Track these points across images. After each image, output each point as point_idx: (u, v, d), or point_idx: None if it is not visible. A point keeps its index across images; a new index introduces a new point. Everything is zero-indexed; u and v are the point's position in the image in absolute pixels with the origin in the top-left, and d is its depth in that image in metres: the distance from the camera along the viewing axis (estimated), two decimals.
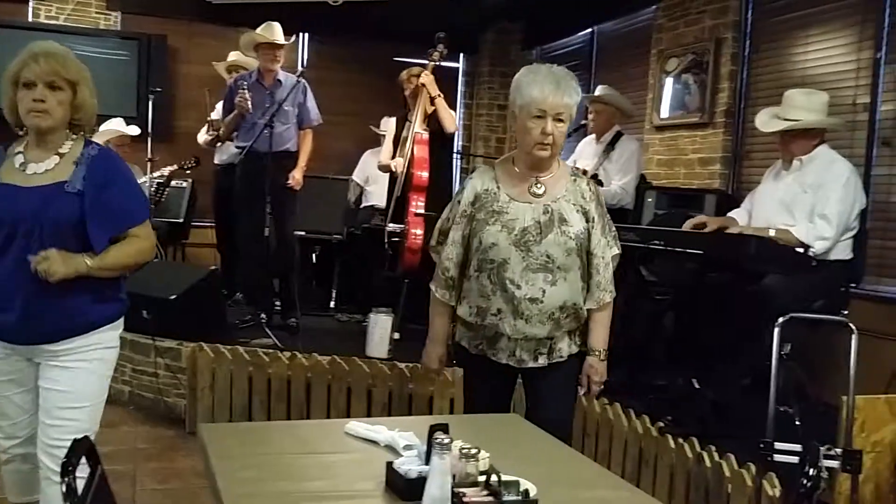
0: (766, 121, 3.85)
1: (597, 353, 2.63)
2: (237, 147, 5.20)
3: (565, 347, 2.62)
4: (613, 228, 2.68)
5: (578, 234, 2.55)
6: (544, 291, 2.51)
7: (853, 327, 2.69)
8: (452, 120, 5.25)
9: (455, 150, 8.02)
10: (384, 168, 5.45)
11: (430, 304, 2.72)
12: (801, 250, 3.44)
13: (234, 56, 6.16)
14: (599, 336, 2.63)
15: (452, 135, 5.36)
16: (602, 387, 2.67)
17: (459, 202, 2.63)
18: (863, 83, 4.37)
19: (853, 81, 4.44)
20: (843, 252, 3.61)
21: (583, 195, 2.60)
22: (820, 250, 3.49)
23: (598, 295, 2.60)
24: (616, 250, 2.65)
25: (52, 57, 2.32)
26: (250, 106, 4.98)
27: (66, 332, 2.36)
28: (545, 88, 2.48)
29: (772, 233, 3.53)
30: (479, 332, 2.62)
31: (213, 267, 5.09)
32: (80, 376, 2.38)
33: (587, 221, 2.58)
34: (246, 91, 4.98)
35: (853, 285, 3.91)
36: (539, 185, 2.58)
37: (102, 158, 2.40)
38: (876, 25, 4.29)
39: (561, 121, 2.50)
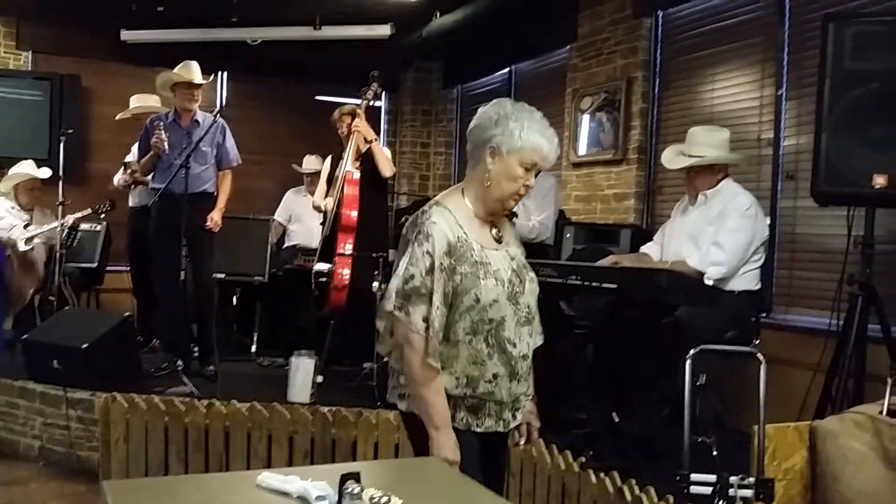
0: (671, 158, 4.00)
1: (534, 399, 2.43)
2: (152, 188, 5.08)
3: None
4: None
5: (535, 277, 2.38)
6: (528, 345, 2.31)
7: (761, 357, 2.77)
8: (389, 164, 5.26)
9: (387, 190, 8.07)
10: (317, 208, 5.41)
11: (420, 384, 2.17)
12: (709, 282, 3.54)
13: (135, 103, 6.07)
14: (532, 381, 2.38)
15: (388, 179, 5.35)
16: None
17: (430, 253, 2.16)
18: (766, 119, 4.56)
19: (757, 117, 4.62)
20: (751, 283, 3.74)
21: (516, 236, 2.44)
22: (714, 275, 3.59)
23: (538, 339, 2.39)
24: None
25: None
26: (167, 146, 4.88)
27: None
28: (550, 140, 2.22)
29: (667, 265, 3.64)
30: (462, 404, 2.24)
31: (126, 313, 4.92)
32: None
33: None
34: (162, 131, 4.89)
35: (763, 315, 4.05)
36: (497, 230, 2.32)
37: None
38: (776, 63, 4.49)
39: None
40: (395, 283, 2.21)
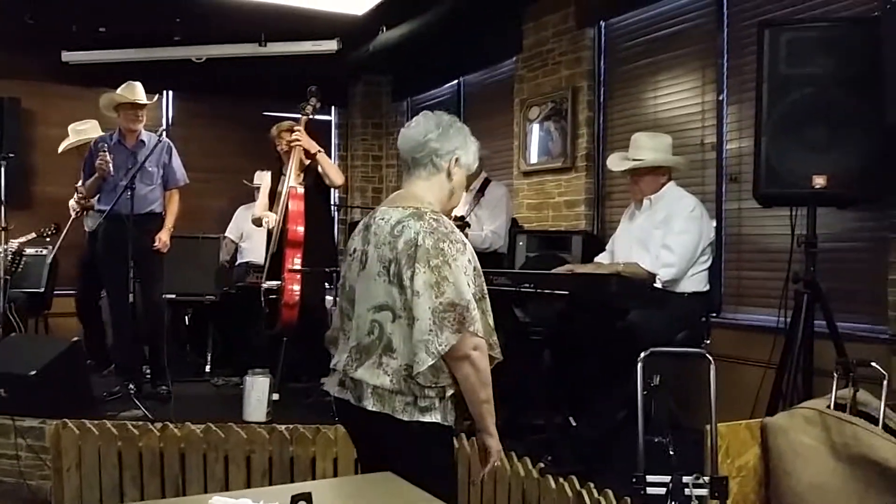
0: (616, 162, 4.11)
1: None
2: (98, 210, 5.00)
3: None
4: None
5: None
6: None
7: (710, 357, 2.82)
8: (338, 173, 5.25)
9: (332, 203, 8.02)
10: (257, 221, 5.37)
11: (489, 387, 2.20)
12: (658, 285, 3.61)
13: (74, 136, 5.97)
14: None
15: (336, 188, 5.33)
16: None
17: (470, 261, 2.21)
18: (709, 124, 4.66)
19: (700, 122, 4.73)
20: (700, 284, 3.82)
21: None
22: (666, 277, 3.68)
23: None
24: None
25: None
26: (111, 168, 4.82)
27: None
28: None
29: (620, 267, 3.70)
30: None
31: (75, 338, 4.82)
32: None
33: None
34: (107, 153, 4.82)
35: (713, 315, 4.13)
36: None
37: None
38: (717, 70, 4.60)
39: None
40: (447, 299, 2.11)
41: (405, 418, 2.17)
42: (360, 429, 2.36)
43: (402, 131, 2.37)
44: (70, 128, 6.03)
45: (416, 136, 2.32)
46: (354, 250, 2.32)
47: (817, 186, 3.32)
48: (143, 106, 4.99)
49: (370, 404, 2.19)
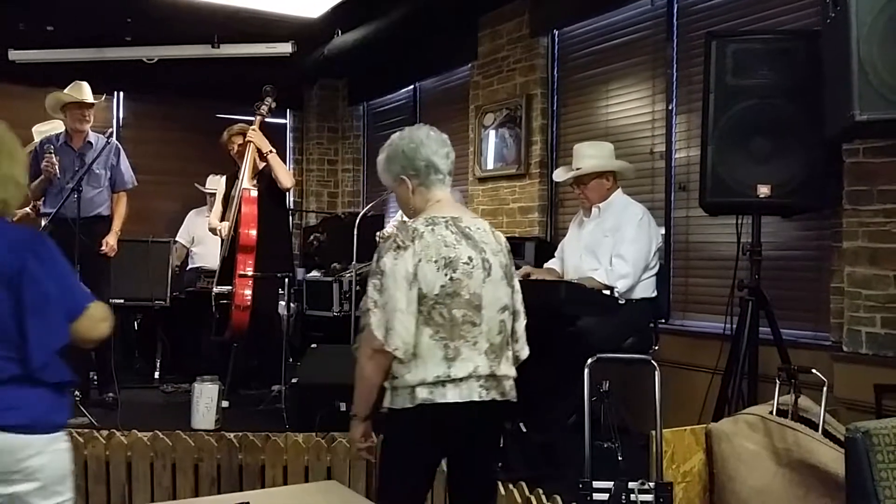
0: (560, 174, 4.20)
1: None
2: (43, 214, 4.89)
3: None
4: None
5: None
6: None
7: (654, 364, 2.86)
8: (288, 175, 5.18)
9: (287, 207, 7.95)
10: (213, 231, 5.30)
11: None
12: (607, 292, 3.65)
13: (37, 139, 5.82)
14: None
15: (286, 191, 5.25)
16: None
17: None
18: (658, 133, 4.73)
19: (650, 131, 4.79)
20: (647, 291, 3.87)
21: None
22: (623, 288, 3.73)
23: None
24: None
25: None
26: (57, 170, 4.71)
27: None
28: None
29: (575, 282, 3.74)
30: None
31: None
32: None
33: None
34: (52, 155, 4.71)
35: (661, 321, 4.18)
36: None
37: None
38: (666, 80, 4.67)
39: None
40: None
41: (512, 399, 2.42)
42: (488, 422, 2.40)
43: (443, 144, 2.48)
44: (34, 129, 5.87)
45: (451, 151, 2.50)
46: (470, 259, 2.32)
47: (762, 196, 3.39)
48: (90, 106, 4.89)
49: (513, 396, 2.41)
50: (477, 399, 2.29)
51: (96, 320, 2.18)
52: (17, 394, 2.04)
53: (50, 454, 2.08)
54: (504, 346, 2.40)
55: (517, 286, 2.48)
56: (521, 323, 2.48)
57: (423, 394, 2.25)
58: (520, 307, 2.48)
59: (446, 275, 2.27)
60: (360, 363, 2.33)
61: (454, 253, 2.30)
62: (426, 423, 2.28)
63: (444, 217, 2.36)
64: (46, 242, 2.15)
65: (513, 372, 2.42)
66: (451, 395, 2.27)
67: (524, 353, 2.48)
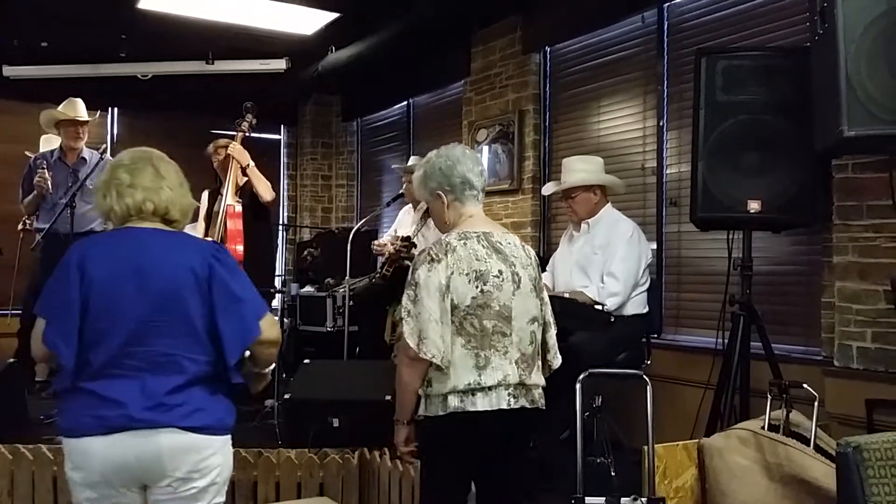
0: (549, 188, 4.21)
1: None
2: (37, 229, 4.90)
3: None
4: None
5: None
6: None
7: (647, 379, 2.86)
8: (268, 188, 5.11)
9: (281, 222, 7.95)
10: None
11: None
12: (598, 307, 3.66)
13: (45, 145, 5.83)
14: None
15: (270, 204, 5.20)
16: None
17: None
18: (650, 148, 4.76)
19: (641, 147, 4.82)
20: (639, 306, 3.88)
21: None
22: (613, 306, 3.74)
23: None
24: None
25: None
26: (50, 185, 4.73)
27: None
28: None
29: (566, 296, 3.75)
30: None
31: (11, 360, 4.68)
32: None
33: None
34: (45, 170, 4.73)
35: (654, 336, 4.19)
36: None
37: None
38: (657, 96, 4.70)
39: None
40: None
41: (541, 407, 2.50)
42: (517, 429, 2.49)
43: (477, 163, 2.58)
44: (42, 138, 5.87)
45: (484, 169, 2.62)
46: (500, 272, 2.41)
47: (752, 211, 3.40)
48: (84, 123, 4.92)
49: (542, 403, 2.49)
50: (506, 407, 2.37)
51: (274, 321, 2.31)
52: (204, 396, 2.14)
53: (225, 455, 2.20)
54: (535, 355, 2.49)
55: (546, 298, 2.57)
56: (552, 333, 2.58)
57: (454, 402, 2.35)
58: (550, 318, 2.57)
59: (477, 287, 2.37)
60: (399, 370, 2.45)
61: (485, 266, 2.40)
62: (458, 431, 2.37)
63: (475, 232, 2.47)
64: (226, 251, 2.32)
65: (542, 381, 2.51)
66: (481, 403, 2.35)
67: (556, 361, 2.58)
